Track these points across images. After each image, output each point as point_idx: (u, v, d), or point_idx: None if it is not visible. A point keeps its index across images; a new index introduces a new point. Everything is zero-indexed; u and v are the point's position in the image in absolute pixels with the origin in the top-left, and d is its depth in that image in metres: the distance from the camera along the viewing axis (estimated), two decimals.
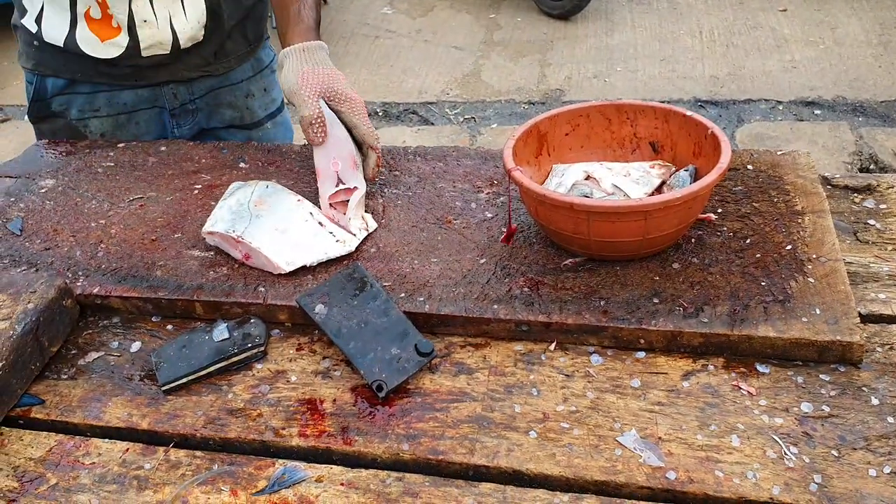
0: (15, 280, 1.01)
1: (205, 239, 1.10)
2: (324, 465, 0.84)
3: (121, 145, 1.38)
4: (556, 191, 1.07)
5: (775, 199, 1.07)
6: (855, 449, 0.80)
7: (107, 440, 0.90)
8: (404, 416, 0.88)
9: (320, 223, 1.06)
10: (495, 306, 0.96)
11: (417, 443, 0.85)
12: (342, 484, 0.82)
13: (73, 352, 1.01)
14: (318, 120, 1.13)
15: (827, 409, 0.84)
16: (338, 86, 1.17)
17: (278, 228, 1.04)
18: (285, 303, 0.99)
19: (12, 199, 1.25)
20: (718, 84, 4.29)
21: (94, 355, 1.00)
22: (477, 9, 5.43)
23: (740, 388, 0.87)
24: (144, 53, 1.39)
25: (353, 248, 1.05)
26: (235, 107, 1.58)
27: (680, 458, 0.80)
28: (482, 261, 1.03)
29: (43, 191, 1.27)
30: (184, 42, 1.39)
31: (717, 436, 0.82)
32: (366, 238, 1.09)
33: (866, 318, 0.94)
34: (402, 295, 0.99)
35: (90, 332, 1.04)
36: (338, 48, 4.96)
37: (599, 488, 0.80)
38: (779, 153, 1.16)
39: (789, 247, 0.99)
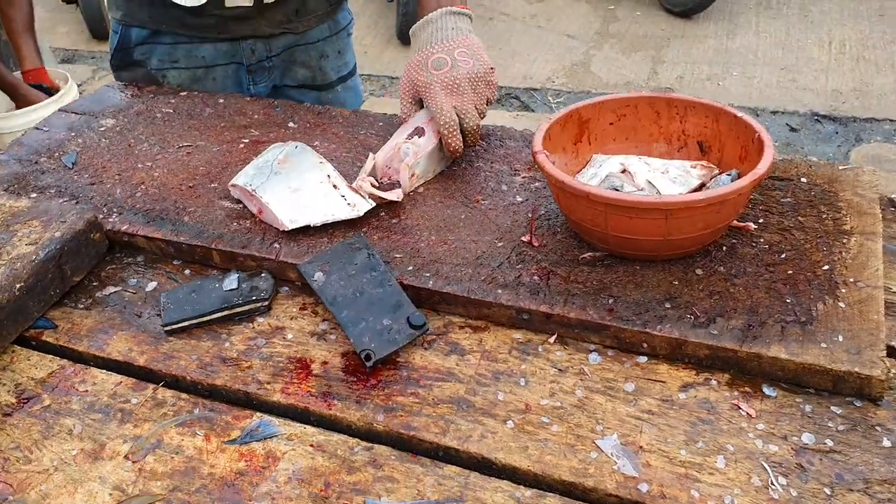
0: (51, 209, 1.05)
1: (230, 191, 1.11)
2: (299, 425, 0.84)
3: (183, 93, 1.42)
4: (590, 181, 1.03)
5: (824, 216, 1.00)
6: (851, 490, 0.73)
7: (104, 371, 0.92)
8: (386, 387, 0.87)
9: (334, 185, 1.05)
10: (499, 291, 0.93)
11: (393, 415, 0.83)
12: (311, 445, 0.81)
13: (94, 283, 1.05)
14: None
15: (830, 443, 0.77)
16: (419, 79, 1.16)
17: (291, 187, 1.04)
18: (296, 261, 1.00)
19: (73, 134, 1.31)
20: (840, 99, 4.05)
21: (111, 289, 1.04)
22: None
23: (739, 409, 0.81)
24: (228, 4, 1.41)
25: (361, 213, 1.04)
26: (309, 66, 1.60)
27: (657, 470, 0.76)
28: (499, 244, 1.01)
29: (102, 129, 1.32)
30: None
31: (702, 454, 0.77)
32: (391, 207, 1.08)
33: None
34: (410, 268, 0.97)
35: (114, 267, 1.08)
36: None
37: (566, 489, 0.76)
38: (841, 168, 1.08)
39: (826, 267, 0.92)
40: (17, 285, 0.95)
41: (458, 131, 1.13)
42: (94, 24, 5.18)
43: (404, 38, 4.72)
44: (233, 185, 1.09)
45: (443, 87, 1.13)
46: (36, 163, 1.24)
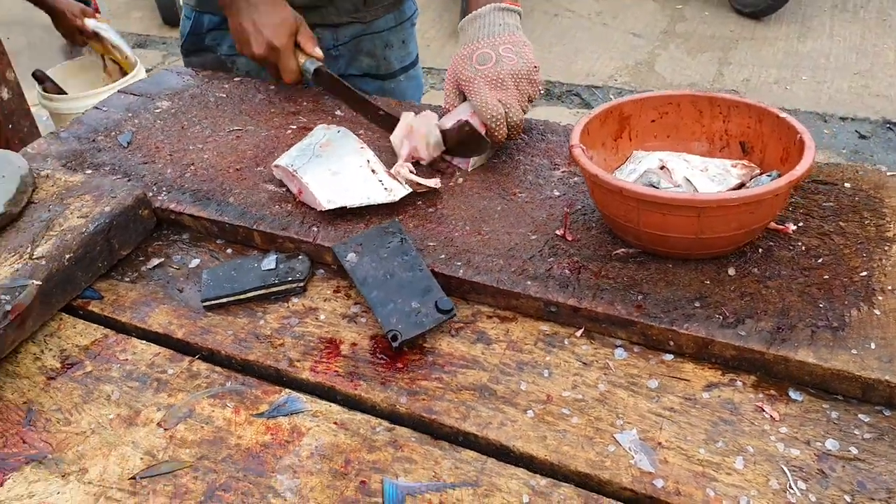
0: (103, 184, 1.10)
1: (273, 172, 1.14)
2: (325, 402, 0.86)
3: (236, 79, 1.46)
4: (629, 177, 1.03)
5: (866, 222, 0.98)
6: (873, 499, 0.72)
7: (144, 342, 0.96)
8: (412, 371, 0.88)
9: (373, 170, 1.07)
10: (529, 282, 0.94)
11: (416, 399, 0.85)
12: (335, 423, 0.83)
13: (141, 258, 1.09)
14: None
15: (855, 451, 0.76)
16: (463, 73, 1.16)
17: (331, 169, 1.06)
18: (332, 245, 1.02)
19: (129, 115, 1.36)
20: None
21: (155, 263, 1.07)
22: None
23: (763, 411, 0.80)
24: None
25: (397, 198, 1.05)
26: (374, 56, 1.62)
27: (674, 467, 0.76)
28: (533, 237, 1.01)
29: (157, 111, 1.36)
30: None
31: (721, 453, 0.77)
32: (428, 197, 1.09)
33: None
34: (442, 256, 0.99)
35: (160, 243, 1.12)
36: None
37: (581, 480, 0.77)
38: (889, 174, 1.05)
39: (864, 273, 0.90)
40: (67, 256, 0.99)
41: (505, 123, 1.13)
42: (166, 11, 5.34)
43: None
44: (276, 166, 1.12)
45: (486, 82, 1.14)
46: (93, 141, 1.29)
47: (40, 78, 2.87)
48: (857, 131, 3.78)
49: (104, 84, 2.97)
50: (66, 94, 2.88)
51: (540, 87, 1.17)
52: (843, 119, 3.88)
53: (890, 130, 3.78)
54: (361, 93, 1.28)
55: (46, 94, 2.84)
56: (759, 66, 4.39)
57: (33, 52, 4.71)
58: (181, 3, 1.63)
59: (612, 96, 4.29)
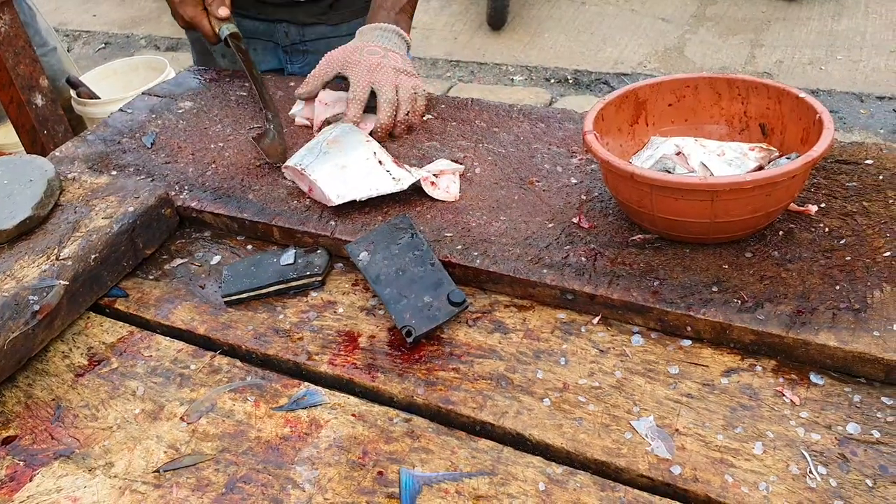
0: (127, 185, 1.12)
1: (284, 174, 1.15)
2: (343, 395, 0.87)
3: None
4: (646, 163, 1.02)
5: (891, 201, 0.96)
6: (895, 483, 0.71)
7: (167, 338, 0.98)
8: (428, 362, 0.89)
9: (380, 161, 1.08)
10: (545, 271, 0.93)
11: (433, 389, 0.85)
12: (353, 415, 0.84)
13: (164, 256, 1.11)
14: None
15: (877, 434, 0.75)
16: (351, 57, 1.25)
17: (339, 164, 1.07)
18: (350, 238, 1.03)
19: (153, 116, 1.38)
20: None
21: (178, 261, 1.09)
22: None
23: (783, 396, 0.79)
24: None
25: (405, 186, 1.06)
26: None
27: (692, 454, 0.75)
28: (549, 225, 1.01)
29: (180, 111, 1.39)
30: None
31: (739, 439, 0.76)
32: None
33: None
34: (459, 247, 0.99)
35: (183, 241, 1.13)
36: (541, 12, 4.93)
37: (598, 468, 0.77)
38: None
39: (888, 253, 0.88)
40: (93, 256, 1.01)
41: (362, 104, 1.22)
42: None
43: (495, 25, 4.72)
44: (285, 167, 1.13)
45: (367, 67, 1.22)
46: (118, 143, 1.32)
47: (74, 83, 2.92)
48: (894, 110, 3.69)
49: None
50: (99, 98, 2.94)
51: (423, 102, 1.27)
52: (880, 98, 3.79)
53: None
54: (257, 72, 1.33)
55: (80, 98, 2.90)
56: (792, 48, 4.31)
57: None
58: None
59: None
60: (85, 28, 5.87)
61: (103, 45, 5.62)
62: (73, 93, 2.92)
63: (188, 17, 1.36)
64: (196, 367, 0.93)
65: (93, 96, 2.93)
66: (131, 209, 1.07)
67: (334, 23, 1.58)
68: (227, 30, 1.34)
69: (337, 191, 1.05)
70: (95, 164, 1.26)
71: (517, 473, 0.76)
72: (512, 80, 4.44)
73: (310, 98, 1.29)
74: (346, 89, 1.23)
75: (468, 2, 5.20)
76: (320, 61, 1.29)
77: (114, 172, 1.23)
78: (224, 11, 1.34)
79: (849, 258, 0.89)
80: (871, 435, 0.75)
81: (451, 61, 4.66)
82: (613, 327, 0.90)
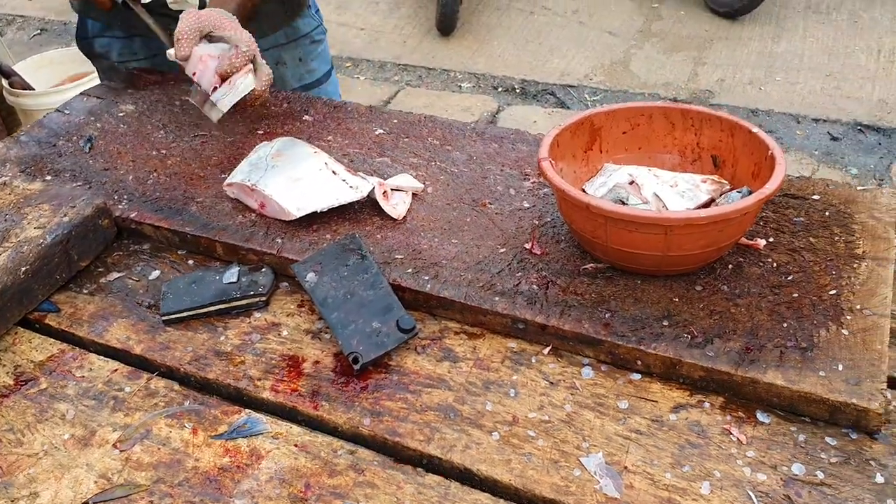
0: (62, 193, 1.07)
1: (226, 191, 1.11)
2: (286, 423, 0.84)
3: None
4: (599, 190, 1.02)
5: (836, 238, 0.97)
6: None
7: (102, 357, 0.93)
8: (376, 391, 0.86)
9: (333, 171, 1.05)
10: (496, 298, 0.92)
11: (379, 420, 0.83)
12: (296, 445, 0.81)
13: (101, 269, 1.06)
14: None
15: (821, 475, 0.75)
16: (222, 16, 1.19)
17: (292, 177, 1.04)
18: (297, 257, 1.00)
19: (92, 118, 1.32)
20: (886, 109, 3.94)
21: (115, 275, 1.05)
22: None
23: (731, 434, 0.79)
24: (171, 6, 1.38)
25: (364, 194, 1.04)
26: None
27: (640, 493, 0.75)
28: (502, 250, 1.00)
29: (121, 114, 1.33)
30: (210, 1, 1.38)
31: (687, 478, 0.76)
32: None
33: None
34: (410, 270, 0.97)
35: (120, 253, 1.09)
36: (490, 19, 4.94)
37: None
38: (859, 188, 1.04)
39: (833, 292, 0.90)
40: (23, 268, 0.96)
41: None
42: None
43: (444, 30, 4.71)
44: (228, 185, 1.09)
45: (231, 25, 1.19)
46: (54, 145, 1.26)
47: (6, 72, 2.80)
48: (829, 133, 3.81)
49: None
50: (33, 89, 2.83)
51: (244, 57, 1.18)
52: (815, 121, 3.90)
53: (861, 133, 3.80)
54: (155, 24, 1.28)
55: (13, 89, 2.78)
56: (733, 67, 4.40)
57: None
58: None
59: (586, 95, 4.29)
60: (19, 12, 5.66)
61: (38, 31, 5.42)
62: (4, 82, 2.80)
63: None
64: (131, 390, 0.89)
65: (26, 87, 2.82)
66: (66, 219, 1.02)
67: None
68: None
69: (296, 204, 1.02)
70: (28, 167, 1.20)
71: None
72: (460, 86, 4.44)
73: (185, 58, 1.19)
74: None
75: (417, 5, 5.18)
76: (181, 24, 1.20)
77: (48, 178, 1.17)
78: None
79: (796, 295, 0.90)
80: (816, 476, 0.75)
81: (400, 65, 4.63)
82: (564, 358, 0.89)
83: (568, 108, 4.17)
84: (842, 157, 3.66)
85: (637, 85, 4.34)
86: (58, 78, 3.00)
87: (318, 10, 1.61)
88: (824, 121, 3.92)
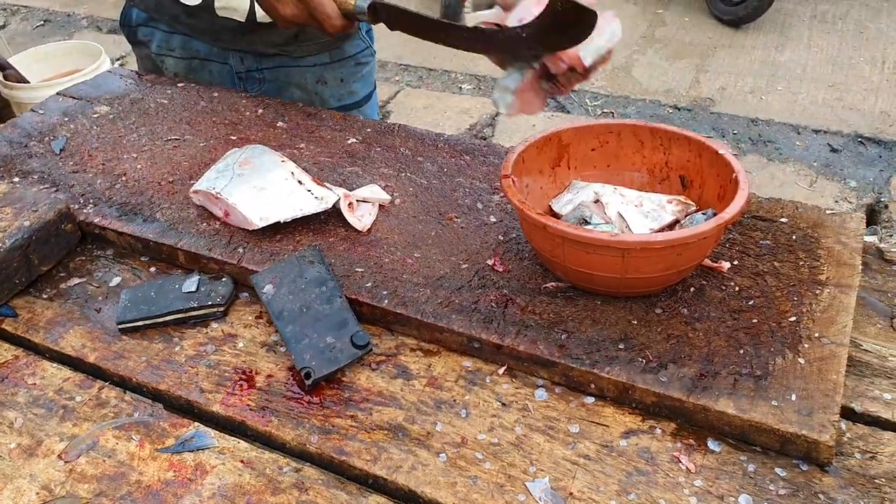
0: (25, 196, 1.06)
1: (192, 198, 1.11)
2: (233, 438, 0.83)
3: (180, 84, 1.41)
4: (565, 207, 1.01)
5: (801, 263, 0.96)
6: None
7: (55, 365, 0.93)
8: (326, 407, 0.86)
9: (300, 181, 1.04)
10: (453, 316, 0.91)
11: (328, 437, 0.82)
12: (241, 461, 0.81)
13: (62, 274, 1.05)
14: None
15: None
16: None
17: (257, 186, 1.03)
18: (258, 268, 0.99)
19: (66, 119, 1.32)
20: (888, 122, 3.92)
21: (76, 280, 1.04)
22: (645, 1, 5.22)
23: (680, 462, 0.78)
24: (218, 12, 1.38)
25: (329, 205, 1.03)
26: (304, 89, 1.53)
27: None
28: (464, 266, 0.99)
29: (95, 116, 1.32)
30: (260, 16, 1.37)
31: None
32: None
33: (858, 418, 0.82)
34: (369, 284, 0.96)
35: (83, 258, 1.08)
36: None
37: None
38: (828, 212, 1.03)
39: (793, 318, 0.88)
40: None
41: None
42: None
43: None
44: (194, 192, 1.08)
45: None
46: (25, 146, 1.25)
47: (1, 65, 2.81)
48: (829, 144, 3.79)
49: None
50: (28, 82, 2.83)
51: None
52: (815, 131, 3.88)
53: (861, 145, 3.78)
54: (436, 18, 1.09)
55: (7, 81, 2.78)
56: (735, 75, 4.39)
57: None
58: None
59: (587, 100, 4.28)
60: (23, 3, 5.68)
61: (42, 22, 5.44)
62: None
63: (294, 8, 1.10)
64: (82, 399, 0.88)
65: (21, 80, 2.82)
66: (27, 223, 1.01)
67: (297, 55, 1.48)
68: (364, 0, 1.07)
69: (259, 213, 1.01)
70: None
71: None
72: (460, 88, 4.43)
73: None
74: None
75: (420, 6, 5.17)
76: None
77: (16, 179, 1.17)
78: None
79: (755, 320, 0.89)
80: None
81: (401, 65, 4.62)
82: (518, 379, 0.88)
83: (568, 112, 4.16)
84: (841, 169, 3.64)
85: (638, 91, 4.33)
86: (53, 71, 3.01)
87: (369, 29, 1.57)
88: (825, 132, 3.90)
